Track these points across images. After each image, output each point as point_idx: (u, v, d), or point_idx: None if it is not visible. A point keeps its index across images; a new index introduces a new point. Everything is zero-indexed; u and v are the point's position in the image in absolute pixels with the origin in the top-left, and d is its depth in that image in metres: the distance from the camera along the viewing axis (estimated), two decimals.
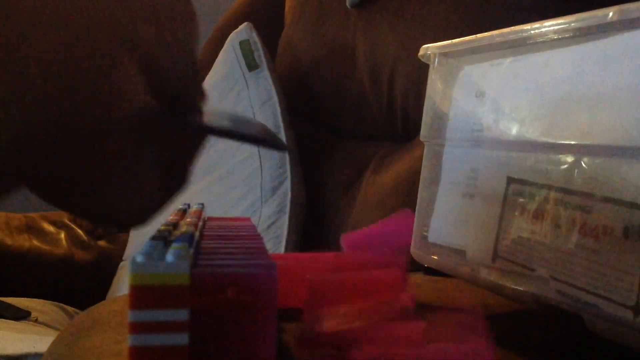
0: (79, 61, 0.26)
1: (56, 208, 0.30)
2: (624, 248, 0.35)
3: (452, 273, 0.51)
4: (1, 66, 0.24)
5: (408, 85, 1.05)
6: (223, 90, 1.23)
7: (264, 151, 1.17)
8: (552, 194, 0.40)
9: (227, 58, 1.24)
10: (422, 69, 0.59)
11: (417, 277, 0.65)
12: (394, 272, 0.48)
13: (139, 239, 1.34)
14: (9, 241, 1.39)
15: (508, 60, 0.47)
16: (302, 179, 1.19)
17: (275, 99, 1.19)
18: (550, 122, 0.42)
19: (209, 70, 1.29)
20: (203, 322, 0.33)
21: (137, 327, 0.31)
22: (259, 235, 0.46)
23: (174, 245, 0.34)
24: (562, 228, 0.39)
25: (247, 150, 1.18)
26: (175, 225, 0.43)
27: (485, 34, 0.49)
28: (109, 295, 1.31)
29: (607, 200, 0.36)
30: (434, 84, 0.55)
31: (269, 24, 1.36)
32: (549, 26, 0.42)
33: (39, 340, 0.95)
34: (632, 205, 0.35)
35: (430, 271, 0.65)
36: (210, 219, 0.55)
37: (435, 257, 0.52)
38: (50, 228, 1.46)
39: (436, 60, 0.54)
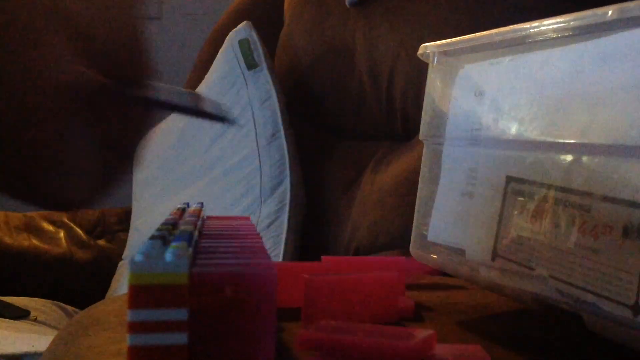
0: (10, 35, 0.26)
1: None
2: (623, 247, 0.35)
3: (451, 272, 0.51)
4: None
5: (407, 84, 1.05)
6: (222, 89, 1.23)
7: (264, 150, 1.17)
8: (552, 193, 0.40)
9: (227, 57, 1.24)
10: (421, 68, 0.59)
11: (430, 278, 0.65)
12: (393, 274, 0.48)
13: (138, 238, 1.34)
14: (8, 240, 1.39)
15: (507, 59, 0.47)
16: (301, 178, 1.19)
17: (275, 98, 1.19)
18: (550, 121, 0.42)
19: (209, 69, 1.29)
20: (202, 321, 0.33)
21: (136, 327, 0.31)
22: (258, 234, 0.46)
23: (173, 244, 0.34)
24: (562, 227, 0.39)
25: (247, 149, 1.18)
26: (174, 224, 0.43)
27: (485, 32, 0.48)
28: (109, 295, 1.31)
29: (606, 199, 0.36)
30: (433, 83, 0.55)
31: (268, 23, 1.36)
32: (548, 25, 0.42)
33: (38, 340, 0.95)
34: (631, 204, 0.35)
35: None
36: (209, 218, 0.55)
37: (435, 257, 0.52)
38: (49, 227, 1.46)
39: (435, 59, 0.54)
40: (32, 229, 1.44)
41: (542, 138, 0.42)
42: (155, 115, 0.34)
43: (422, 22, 1.03)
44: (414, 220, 0.55)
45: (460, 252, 0.48)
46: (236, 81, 1.21)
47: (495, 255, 0.45)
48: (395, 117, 1.09)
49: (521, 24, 0.45)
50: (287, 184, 1.15)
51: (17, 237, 1.40)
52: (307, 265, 0.51)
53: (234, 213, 1.15)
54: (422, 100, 0.56)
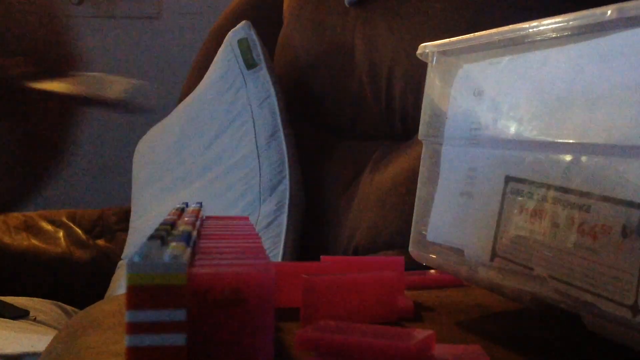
0: None
1: None
2: (622, 247, 0.35)
3: (450, 272, 0.51)
4: None
5: (407, 83, 1.05)
6: (221, 89, 1.23)
7: (263, 150, 1.17)
8: (551, 193, 0.40)
9: (226, 56, 1.24)
10: (420, 68, 0.59)
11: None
12: (392, 274, 0.48)
13: (137, 238, 1.34)
14: (7, 240, 1.39)
15: (506, 58, 0.47)
16: (300, 178, 1.19)
17: (274, 97, 1.19)
18: (549, 121, 0.42)
19: (207, 68, 1.29)
20: (200, 322, 0.33)
21: (134, 328, 0.31)
22: (257, 234, 0.46)
23: (172, 245, 0.34)
24: (561, 227, 0.39)
25: (246, 149, 1.18)
26: (173, 224, 0.42)
27: (484, 32, 0.48)
28: (108, 294, 1.31)
29: (605, 199, 0.36)
30: (433, 83, 0.54)
31: (267, 23, 1.36)
32: (547, 24, 0.42)
33: (38, 340, 0.95)
34: (630, 204, 0.35)
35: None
36: (208, 218, 0.55)
37: (434, 256, 0.52)
38: (48, 227, 1.46)
39: (434, 58, 0.54)
40: (31, 228, 1.44)
41: (541, 138, 0.42)
42: (81, 110, 0.33)
43: (421, 21, 1.03)
44: (413, 220, 0.55)
45: (459, 252, 0.48)
46: (235, 81, 1.21)
47: (494, 255, 0.45)
48: (395, 117, 1.09)
49: (520, 24, 0.45)
50: (286, 183, 1.15)
51: (16, 237, 1.40)
52: (306, 265, 0.51)
53: (233, 213, 1.15)
54: (421, 99, 0.56)
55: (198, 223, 0.46)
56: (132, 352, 0.31)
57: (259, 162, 1.16)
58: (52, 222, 1.47)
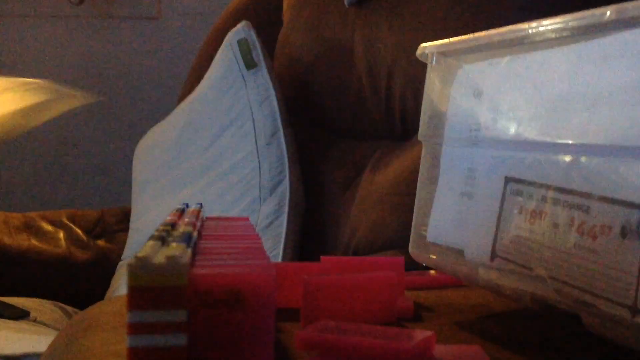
0: None
1: None
2: (621, 247, 0.35)
3: (450, 272, 0.51)
4: None
5: (406, 84, 1.05)
6: (221, 89, 1.23)
7: (263, 150, 1.17)
8: (550, 194, 0.40)
9: (225, 57, 1.24)
10: (420, 68, 0.59)
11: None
12: (392, 274, 0.48)
13: (138, 239, 1.34)
14: (7, 240, 1.39)
15: (506, 59, 0.47)
16: (300, 178, 1.19)
17: (274, 97, 1.19)
18: (548, 122, 0.42)
19: (207, 69, 1.29)
20: (201, 322, 0.33)
21: (135, 328, 0.31)
22: (257, 235, 0.46)
23: (172, 245, 0.34)
24: (560, 227, 0.39)
25: (246, 149, 1.18)
26: (173, 225, 0.43)
27: (483, 33, 0.48)
28: (108, 295, 1.31)
29: (604, 199, 0.36)
30: (432, 83, 0.55)
31: (267, 23, 1.36)
32: (547, 25, 0.42)
33: (38, 340, 0.95)
34: (629, 204, 0.35)
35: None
36: (208, 218, 0.55)
37: (434, 257, 0.52)
38: (49, 227, 1.46)
39: (434, 59, 0.54)
40: (31, 229, 1.44)
41: (541, 138, 0.42)
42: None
43: (421, 21, 1.03)
44: (413, 221, 0.55)
45: (459, 252, 0.48)
46: (235, 81, 1.21)
47: (494, 255, 0.45)
48: (394, 117, 1.09)
49: (520, 24, 0.45)
50: (286, 183, 1.15)
51: (17, 238, 1.40)
52: (307, 266, 0.51)
53: (233, 213, 1.15)
54: (421, 100, 0.56)
55: (198, 224, 0.46)
56: (133, 352, 0.31)
57: (259, 162, 1.16)
58: (52, 222, 1.47)
